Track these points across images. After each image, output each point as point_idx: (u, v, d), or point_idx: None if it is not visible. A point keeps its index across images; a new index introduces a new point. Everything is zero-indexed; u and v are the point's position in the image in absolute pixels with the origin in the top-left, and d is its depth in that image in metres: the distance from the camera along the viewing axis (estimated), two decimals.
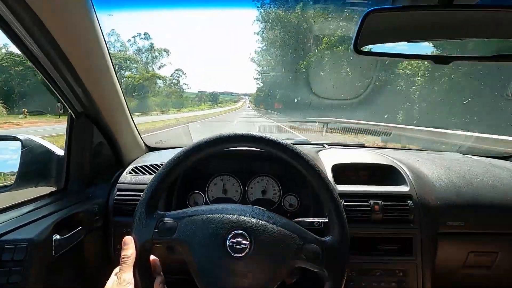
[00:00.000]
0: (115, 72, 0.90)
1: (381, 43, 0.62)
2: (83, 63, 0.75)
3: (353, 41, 0.61)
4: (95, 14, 0.72)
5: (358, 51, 0.62)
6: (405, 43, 0.62)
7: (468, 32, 0.55)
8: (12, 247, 0.63)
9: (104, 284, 0.56)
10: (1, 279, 0.61)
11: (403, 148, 1.49)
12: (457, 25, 0.55)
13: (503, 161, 1.28)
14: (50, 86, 0.76)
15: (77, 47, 0.72)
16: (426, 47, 0.63)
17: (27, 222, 0.70)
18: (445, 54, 0.57)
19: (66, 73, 0.73)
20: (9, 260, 0.63)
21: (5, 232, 0.65)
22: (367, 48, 0.62)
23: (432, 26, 0.57)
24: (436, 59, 0.57)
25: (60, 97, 0.81)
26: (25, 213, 0.75)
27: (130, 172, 1.05)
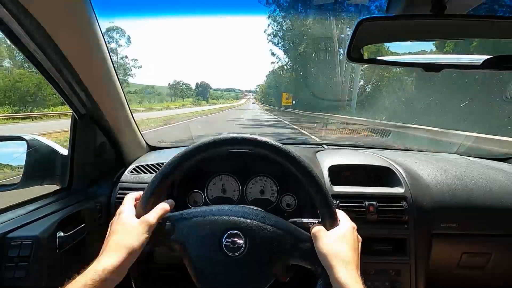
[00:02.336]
0: (116, 73, 0.92)
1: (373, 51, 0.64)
2: (85, 67, 0.77)
3: (346, 49, 0.62)
4: (95, 19, 0.74)
5: (351, 58, 0.63)
6: (397, 50, 0.63)
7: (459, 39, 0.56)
8: (18, 244, 0.66)
9: None
10: (8, 273, 0.65)
11: (401, 149, 1.51)
12: (448, 33, 0.56)
13: (500, 163, 1.29)
14: (54, 89, 0.78)
15: (79, 52, 0.74)
16: (417, 55, 0.65)
17: (33, 220, 0.73)
18: (436, 62, 0.59)
19: (69, 77, 0.75)
20: (15, 256, 0.66)
21: (11, 229, 0.68)
22: (360, 55, 0.63)
23: (423, 35, 0.58)
24: (426, 67, 0.58)
25: (63, 100, 0.83)
26: (31, 211, 0.78)
27: (131, 172, 1.08)
